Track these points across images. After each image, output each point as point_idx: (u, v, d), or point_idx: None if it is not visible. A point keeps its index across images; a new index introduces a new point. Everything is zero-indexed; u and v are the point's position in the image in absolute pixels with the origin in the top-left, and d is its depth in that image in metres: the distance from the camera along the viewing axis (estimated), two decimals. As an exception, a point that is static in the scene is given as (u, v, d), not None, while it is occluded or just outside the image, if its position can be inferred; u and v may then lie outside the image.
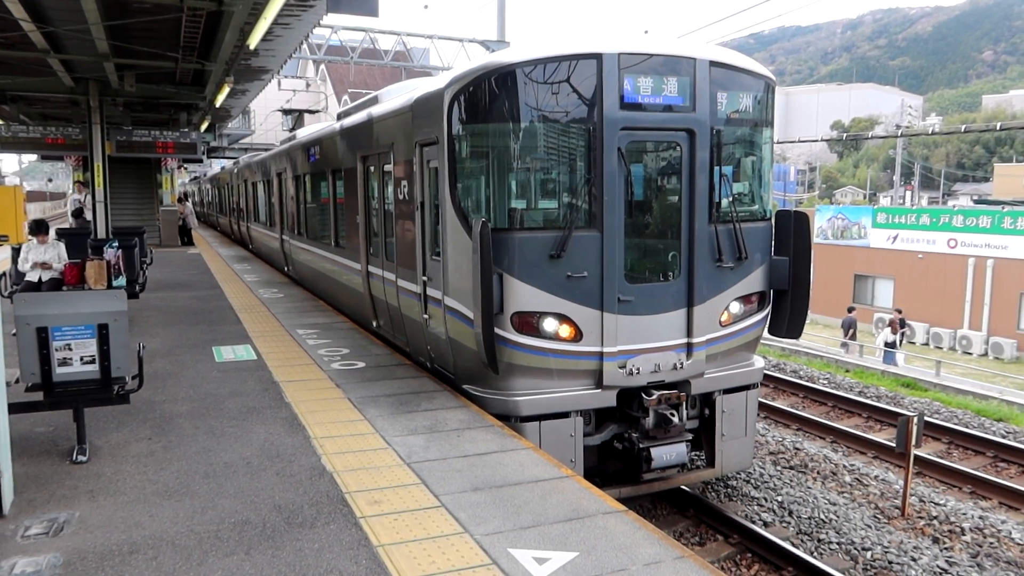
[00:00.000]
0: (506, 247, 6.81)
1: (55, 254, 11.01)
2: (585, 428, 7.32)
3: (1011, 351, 28.20)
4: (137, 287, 12.41)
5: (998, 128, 38.06)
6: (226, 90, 17.29)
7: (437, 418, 6.82)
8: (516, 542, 4.48)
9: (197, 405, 7.23)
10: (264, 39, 12.98)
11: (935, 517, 9.01)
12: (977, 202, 55.81)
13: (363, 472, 5.55)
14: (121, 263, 11.15)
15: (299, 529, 4.64)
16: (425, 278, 8.07)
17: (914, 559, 7.80)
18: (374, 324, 10.51)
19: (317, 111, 18.99)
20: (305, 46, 20.36)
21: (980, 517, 9.05)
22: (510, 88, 6.84)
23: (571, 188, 7.13)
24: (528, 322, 6.94)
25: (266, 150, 22.48)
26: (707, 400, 8.00)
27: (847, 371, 18.02)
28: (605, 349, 7.11)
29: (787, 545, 7.76)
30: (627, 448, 7.51)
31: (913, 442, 9.05)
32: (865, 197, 78.12)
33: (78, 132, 19.19)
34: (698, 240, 7.36)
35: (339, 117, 12.62)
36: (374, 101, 10.75)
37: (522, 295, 6.86)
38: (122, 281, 10.95)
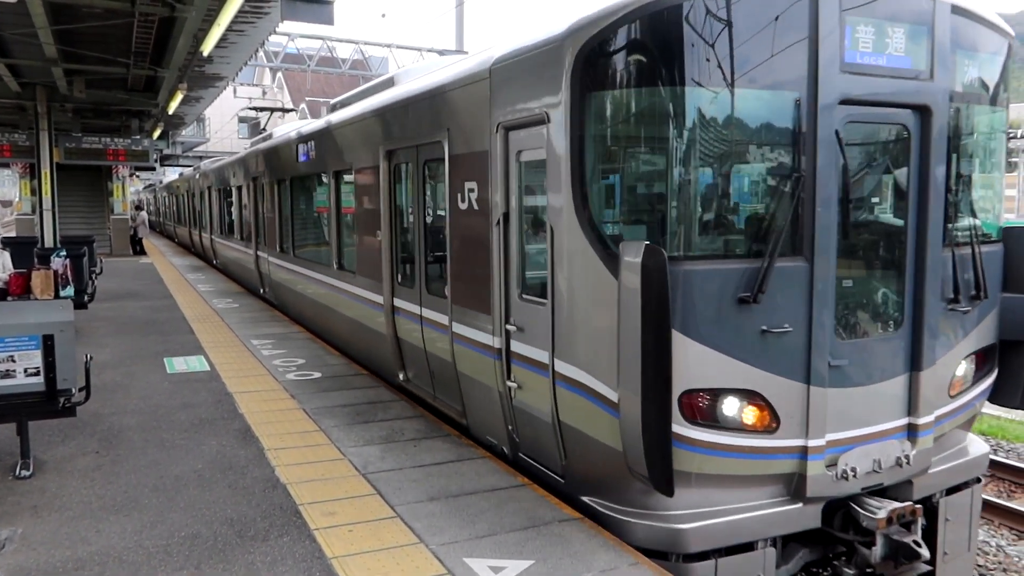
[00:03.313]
0: (672, 287, 4.32)
1: (-1, 263, 10.70)
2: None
3: None
4: (86, 297, 12.15)
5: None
6: (179, 97, 17.06)
7: (394, 428, 6.78)
8: (472, 551, 4.47)
9: (147, 417, 7.08)
10: (218, 45, 12.85)
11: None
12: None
13: (318, 483, 5.49)
14: (69, 272, 10.89)
15: (251, 542, 4.57)
16: (511, 326, 5.56)
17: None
18: (400, 377, 7.97)
19: (292, 110, 18.16)
20: (261, 53, 20.20)
21: None
22: (677, 35, 4.44)
23: (770, 192, 4.79)
24: (700, 405, 4.57)
25: (229, 156, 20.78)
26: (925, 505, 5.44)
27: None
28: (810, 443, 4.73)
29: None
30: None
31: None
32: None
33: (25, 138, 18.78)
34: (930, 271, 5.08)
35: (332, 108, 10.55)
36: (389, 84, 8.62)
37: (696, 363, 4.47)
38: (70, 291, 10.69)
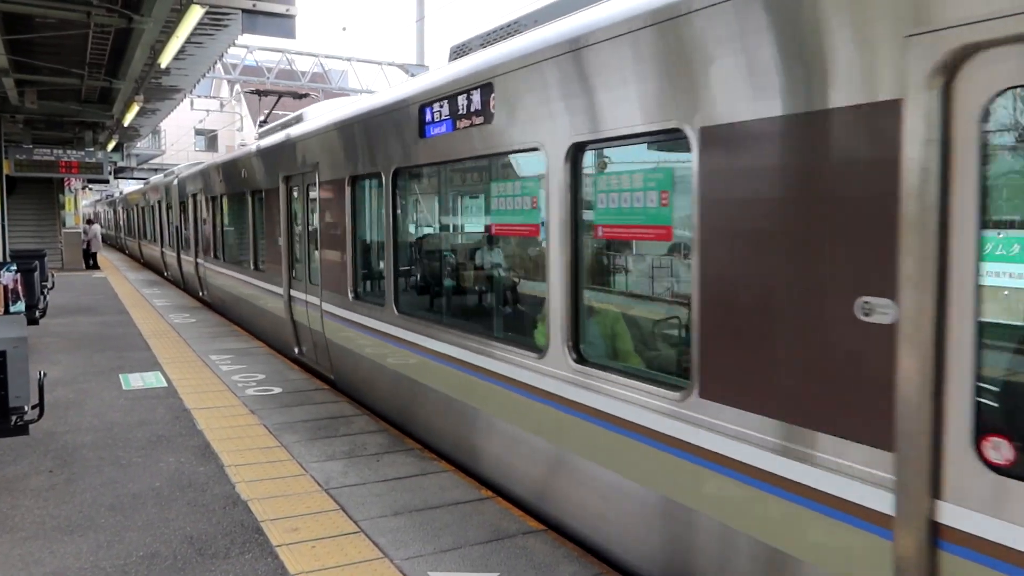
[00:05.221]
0: None
1: (-54, 278, 10.41)
2: None
3: None
4: (37, 312, 11.89)
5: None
6: (135, 109, 16.79)
7: (356, 442, 6.74)
8: (437, 565, 4.46)
9: (102, 435, 6.93)
10: (176, 57, 12.70)
11: None
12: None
13: (280, 499, 5.43)
14: (20, 287, 10.65)
15: (212, 560, 4.50)
16: None
17: None
18: None
19: (305, 96, 15.62)
20: (219, 65, 20.00)
21: None
22: None
23: None
24: None
25: (235, 152, 15.03)
26: None
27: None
28: None
29: None
30: None
31: None
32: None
33: (-27, 150, 18.29)
34: None
35: (459, 53, 6.50)
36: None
37: None
38: (20, 306, 10.47)
